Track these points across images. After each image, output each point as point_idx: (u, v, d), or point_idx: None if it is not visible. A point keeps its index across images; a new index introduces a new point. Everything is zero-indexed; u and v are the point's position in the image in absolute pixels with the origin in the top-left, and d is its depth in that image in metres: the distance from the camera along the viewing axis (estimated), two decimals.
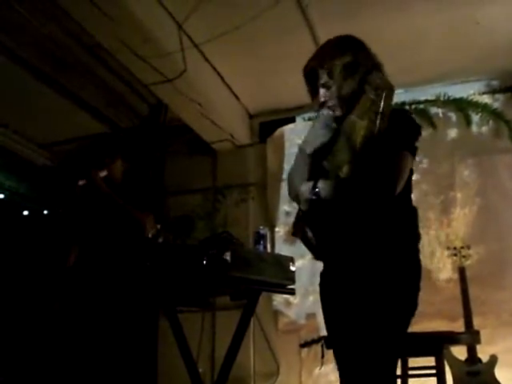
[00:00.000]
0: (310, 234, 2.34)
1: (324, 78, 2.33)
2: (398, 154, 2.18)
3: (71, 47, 4.55)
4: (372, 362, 2.17)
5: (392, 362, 2.24)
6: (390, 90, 2.21)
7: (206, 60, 4.70)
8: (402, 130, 2.22)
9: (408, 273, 2.26)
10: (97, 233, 3.89)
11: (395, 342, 2.23)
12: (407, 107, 4.97)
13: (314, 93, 2.42)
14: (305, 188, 2.29)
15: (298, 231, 2.38)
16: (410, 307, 2.27)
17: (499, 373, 3.92)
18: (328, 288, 2.44)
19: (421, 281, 2.28)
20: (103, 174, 3.98)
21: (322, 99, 2.34)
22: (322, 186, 2.25)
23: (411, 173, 2.34)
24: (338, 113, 2.31)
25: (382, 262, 2.22)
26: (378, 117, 2.14)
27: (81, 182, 3.91)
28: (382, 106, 2.16)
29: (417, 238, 2.34)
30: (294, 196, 2.40)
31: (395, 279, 2.22)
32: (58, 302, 4.05)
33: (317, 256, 2.41)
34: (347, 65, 2.29)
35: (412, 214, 2.36)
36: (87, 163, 4.00)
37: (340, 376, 2.40)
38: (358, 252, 2.26)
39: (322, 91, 2.34)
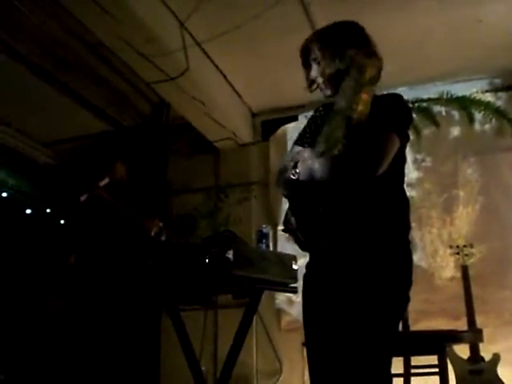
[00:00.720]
0: (294, 223, 2.26)
1: (314, 53, 2.35)
2: (383, 135, 2.10)
3: (73, 46, 4.56)
4: (360, 361, 2.04)
5: (383, 360, 2.09)
6: (373, 75, 2.20)
7: (209, 58, 4.70)
8: (390, 112, 2.16)
9: (396, 263, 2.15)
10: (99, 232, 3.90)
11: (385, 338, 2.09)
12: (410, 105, 4.96)
13: (306, 67, 2.43)
14: (287, 171, 2.26)
15: (286, 226, 2.32)
16: (398, 301, 2.15)
17: (502, 371, 3.92)
18: (312, 280, 2.32)
19: (411, 271, 2.18)
20: (105, 182, 3.98)
21: (314, 74, 2.36)
22: (302, 165, 2.20)
23: (403, 160, 2.29)
24: (329, 92, 2.34)
25: (367, 250, 2.13)
26: (360, 100, 2.12)
27: (82, 198, 3.90)
28: (363, 89, 2.14)
29: (406, 227, 2.23)
30: (277, 181, 2.38)
31: (382, 270, 2.10)
32: (61, 299, 4.06)
33: (302, 247, 2.32)
34: (337, 44, 2.30)
35: (402, 202, 2.26)
36: (87, 174, 4.00)
37: (312, 376, 2.26)
38: (342, 240, 2.17)
39: (313, 66, 2.37)
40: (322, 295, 2.23)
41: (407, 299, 2.19)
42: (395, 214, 2.21)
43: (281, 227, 5.16)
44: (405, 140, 2.22)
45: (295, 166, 2.22)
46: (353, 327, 2.07)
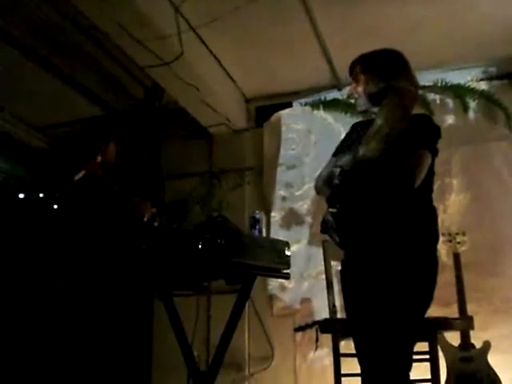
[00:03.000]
0: (333, 224, 2.44)
1: (356, 71, 2.69)
2: (418, 151, 2.40)
3: (67, 29, 4.51)
4: (390, 350, 2.35)
5: (409, 349, 2.41)
6: (412, 99, 2.55)
7: (203, 43, 4.68)
8: (423, 131, 2.49)
9: (426, 269, 2.47)
10: (92, 215, 3.88)
11: (412, 331, 2.42)
12: None
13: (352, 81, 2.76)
14: (330, 174, 2.53)
15: (324, 226, 2.49)
16: (426, 300, 2.49)
17: (492, 359, 3.95)
18: (348, 277, 2.60)
19: (437, 276, 2.52)
20: (98, 159, 3.96)
21: (351, 90, 2.74)
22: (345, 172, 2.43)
23: (433, 173, 2.57)
24: (361, 108, 2.70)
25: (402, 256, 2.39)
26: (396, 122, 2.42)
27: (77, 177, 3.88)
28: (400, 111, 2.44)
29: (436, 236, 2.55)
30: (318, 188, 2.68)
31: (414, 274, 2.40)
32: (58, 283, 4.05)
33: (339, 245, 2.53)
34: (378, 69, 2.63)
35: (432, 213, 2.55)
36: (82, 152, 3.97)
37: (360, 364, 2.52)
38: (379, 245, 2.41)
39: (353, 84, 2.72)
40: (360, 289, 2.51)
41: (432, 298, 2.54)
42: (427, 223, 2.52)
43: (278, 214, 5.25)
44: (435, 156, 2.53)
45: (341, 173, 2.45)
46: (386, 319, 2.37)
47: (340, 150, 2.72)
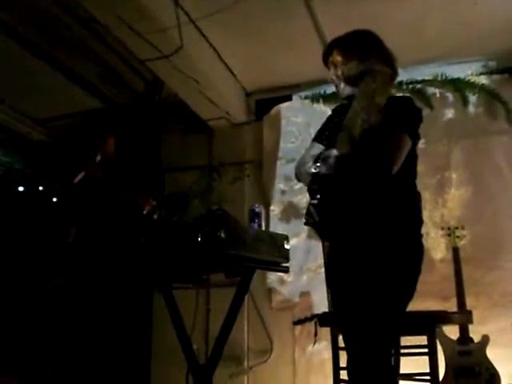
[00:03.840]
0: (314, 213, 2.40)
1: (333, 57, 2.64)
2: (396, 135, 2.32)
3: (67, 22, 4.51)
4: (372, 339, 2.30)
5: (391, 339, 2.42)
6: (387, 82, 2.48)
7: (203, 36, 4.67)
8: (402, 114, 2.40)
9: (409, 255, 2.38)
10: (92, 210, 3.89)
11: (394, 320, 2.36)
12: (404, 87, 4.97)
13: (328, 68, 2.71)
14: (308, 164, 2.46)
15: (308, 219, 2.45)
16: (408, 289, 2.39)
17: (491, 353, 3.95)
18: (332, 269, 2.56)
19: (422, 264, 2.40)
20: (97, 159, 3.96)
21: (332, 75, 2.66)
22: (322, 161, 2.38)
23: (415, 158, 2.48)
24: (345, 93, 2.62)
25: (383, 242, 2.33)
26: (372, 110, 2.35)
27: (77, 178, 3.88)
28: (376, 98, 2.37)
29: (419, 222, 2.45)
30: (298, 174, 2.59)
31: (396, 261, 2.33)
32: (56, 276, 4.06)
33: (323, 237, 2.58)
34: (353, 51, 2.57)
35: (415, 198, 2.47)
36: (80, 152, 3.96)
37: (347, 352, 2.48)
38: (360, 234, 2.37)
39: (331, 69, 2.66)
40: (344, 279, 2.47)
41: (415, 287, 2.43)
42: (409, 208, 2.43)
43: (277, 207, 5.22)
44: (416, 139, 2.45)
45: (316, 161, 2.42)
46: (364, 313, 2.34)
47: (320, 135, 2.68)
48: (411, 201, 2.45)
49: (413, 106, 2.52)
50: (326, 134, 2.61)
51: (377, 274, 2.33)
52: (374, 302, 2.32)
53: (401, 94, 2.60)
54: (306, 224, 2.47)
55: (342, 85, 2.61)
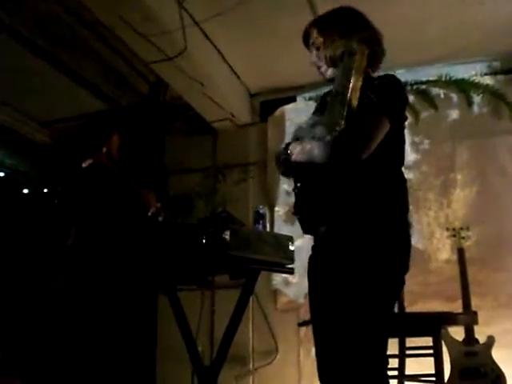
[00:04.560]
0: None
1: (312, 38, 2.45)
2: (370, 119, 2.13)
3: (71, 24, 4.53)
4: (355, 340, 2.10)
5: (377, 340, 2.14)
6: (362, 61, 2.19)
7: (207, 38, 4.67)
8: (382, 95, 2.18)
9: (393, 245, 2.19)
10: (97, 210, 3.89)
11: (379, 319, 2.14)
12: (409, 87, 4.96)
13: (309, 51, 2.52)
14: (280, 151, 2.38)
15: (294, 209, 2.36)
16: (394, 283, 2.21)
17: (496, 354, 3.94)
18: (314, 262, 2.41)
19: (409, 255, 2.21)
20: (104, 150, 3.98)
21: (313, 58, 2.47)
22: (293, 146, 2.28)
23: (401, 142, 2.32)
24: (328, 76, 2.43)
25: (365, 232, 2.16)
26: (350, 86, 2.12)
27: (85, 164, 3.89)
28: (353, 78, 2.13)
29: (404, 209, 2.26)
30: (275, 162, 2.46)
31: (379, 252, 2.15)
32: (59, 278, 4.06)
33: (304, 229, 2.37)
34: (334, 31, 2.39)
35: (399, 184, 2.28)
36: (87, 143, 3.99)
37: (317, 355, 2.33)
38: (340, 222, 2.21)
39: (313, 52, 2.47)
40: (323, 277, 2.28)
41: (402, 283, 2.24)
42: (392, 195, 2.23)
43: (282, 208, 5.20)
44: (399, 121, 2.25)
45: (286, 147, 2.32)
46: (347, 308, 2.13)
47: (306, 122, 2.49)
48: (394, 186, 2.25)
49: (395, 84, 2.27)
50: (313, 121, 2.42)
51: (358, 267, 2.13)
52: (353, 301, 2.12)
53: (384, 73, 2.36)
54: (293, 214, 2.38)
55: (324, 67, 2.43)
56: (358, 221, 2.18)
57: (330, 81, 2.39)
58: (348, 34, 2.34)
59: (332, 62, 2.37)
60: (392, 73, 2.33)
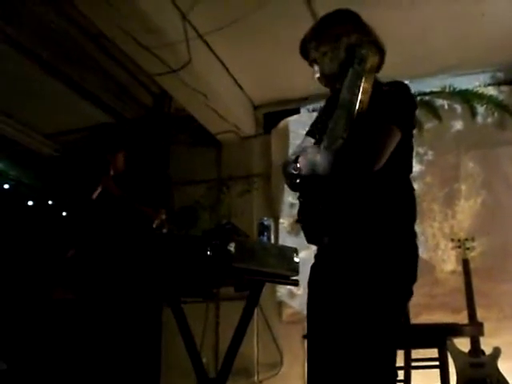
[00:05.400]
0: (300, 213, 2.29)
1: (313, 53, 2.37)
2: (382, 128, 2.09)
3: (75, 37, 4.54)
4: (361, 355, 2.05)
5: (386, 354, 2.09)
6: (373, 65, 2.19)
7: (211, 50, 4.69)
8: (391, 103, 2.14)
9: (400, 256, 2.14)
10: (102, 224, 3.90)
11: (387, 332, 2.09)
12: None
13: (311, 66, 2.44)
14: (289, 164, 2.28)
15: (299, 217, 2.32)
16: (402, 294, 2.16)
17: (502, 365, 3.92)
18: (317, 272, 2.36)
19: (417, 265, 2.17)
20: (111, 174, 3.98)
21: (317, 75, 2.38)
22: (302, 160, 2.22)
23: (410, 150, 2.30)
24: (333, 88, 2.36)
25: (371, 243, 2.12)
26: (360, 91, 2.10)
27: (95, 194, 3.89)
28: (363, 80, 2.11)
29: (411, 219, 2.22)
30: (283, 175, 2.37)
31: (385, 263, 2.10)
32: (65, 291, 4.06)
33: (308, 239, 2.32)
34: (334, 37, 2.30)
35: (407, 194, 2.25)
36: (93, 169, 3.98)
37: (310, 367, 2.27)
38: (346, 233, 2.17)
39: (315, 67, 2.39)
40: (326, 287, 2.25)
41: (410, 293, 2.18)
42: (401, 204, 2.20)
43: (286, 220, 5.18)
44: (409, 130, 2.23)
45: (296, 161, 2.24)
46: (354, 320, 2.08)
47: (312, 128, 2.48)
48: (402, 196, 2.22)
49: (405, 92, 2.23)
50: (319, 127, 2.39)
51: (364, 279, 2.09)
52: (360, 313, 2.07)
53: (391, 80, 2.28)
54: (297, 222, 2.33)
55: (328, 82, 2.38)
56: (365, 231, 2.14)
57: (337, 92, 2.29)
58: (350, 39, 2.28)
59: (339, 73, 2.28)
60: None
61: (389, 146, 2.09)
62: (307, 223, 2.27)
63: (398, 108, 2.16)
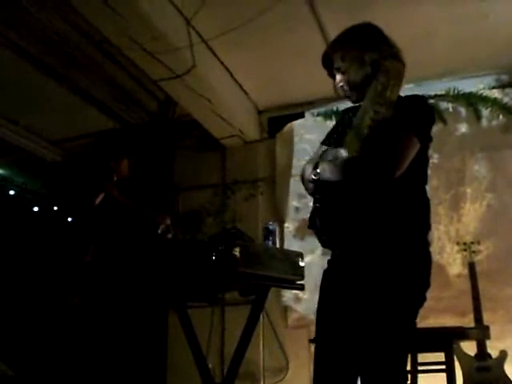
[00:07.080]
0: (316, 219, 2.29)
1: (337, 63, 2.39)
2: (402, 137, 2.14)
3: (80, 43, 4.56)
4: (379, 358, 2.10)
5: (401, 357, 2.15)
6: (398, 77, 2.25)
7: (215, 55, 4.70)
8: (411, 114, 2.21)
9: (414, 264, 2.18)
10: (108, 230, 3.90)
11: (403, 335, 2.15)
12: None
13: (332, 77, 2.47)
14: (308, 170, 2.31)
15: (311, 223, 2.34)
16: (416, 300, 2.20)
17: (509, 368, 3.91)
18: (330, 277, 2.38)
19: (430, 272, 2.22)
20: (114, 180, 3.99)
21: (339, 84, 2.41)
22: (322, 166, 2.25)
23: (426, 161, 2.32)
24: (354, 98, 2.39)
25: (386, 250, 2.17)
26: (384, 104, 2.18)
27: (98, 200, 3.90)
28: (388, 92, 2.19)
29: (426, 229, 2.26)
30: (302, 181, 2.40)
31: (400, 270, 2.14)
32: (75, 296, 4.06)
33: (323, 244, 2.35)
34: (359, 50, 2.35)
35: (423, 204, 2.28)
36: (97, 175, 3.99)
37: (321, 373, 2.31)
38: (360, 240, 2.21)
39: (337, 76, 2.41)
40: (340, 293, 2.28)
41: (423, 299, 2.22)
42: (416, 214, 2.24)
43: (291, 224, 5.17)
44: (426, 141, 2.26)
45: (316, 167, 2.27)
46: (368, 325, 2.13)
47: (328, 137, 2.48)
48: (417, 206, 2.25)
49: (424, 105, 2.32)
50: (334, 137, 2.43)
51: (377, 285, 2.14)
52: (373, 320, 2.12)
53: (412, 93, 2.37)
54: (309, 227, 2.35)
55: (350, 91, 2.39)
56: (381, 238, 2.18)
57: (356, 102, 2.39)
58: (375, 52, 2.32)
59: (361, 84, 2.33)
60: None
61: (409, 153, 2.14)
62: (324, 228, 2.28)
63: (418, 119, 2.22)
